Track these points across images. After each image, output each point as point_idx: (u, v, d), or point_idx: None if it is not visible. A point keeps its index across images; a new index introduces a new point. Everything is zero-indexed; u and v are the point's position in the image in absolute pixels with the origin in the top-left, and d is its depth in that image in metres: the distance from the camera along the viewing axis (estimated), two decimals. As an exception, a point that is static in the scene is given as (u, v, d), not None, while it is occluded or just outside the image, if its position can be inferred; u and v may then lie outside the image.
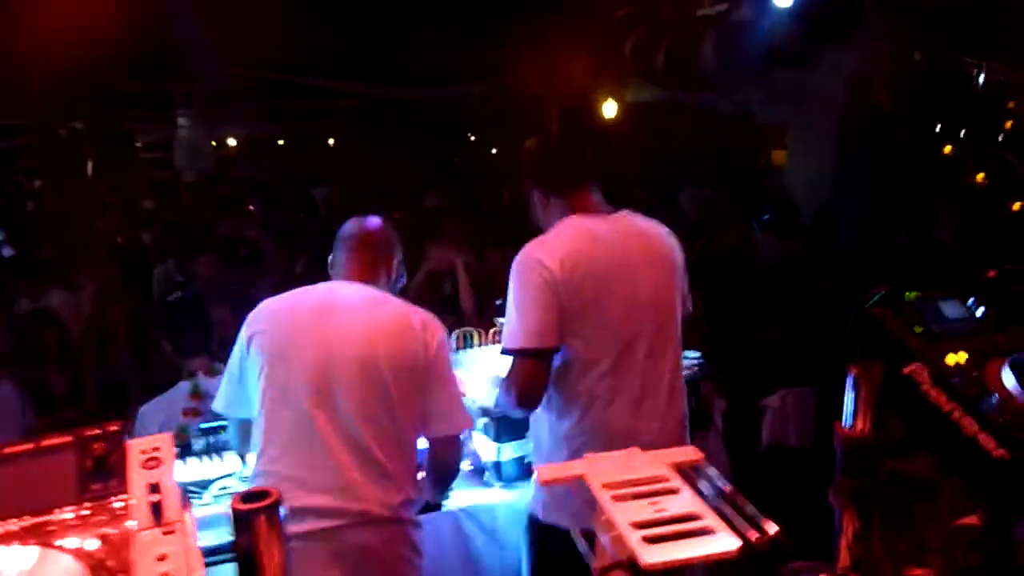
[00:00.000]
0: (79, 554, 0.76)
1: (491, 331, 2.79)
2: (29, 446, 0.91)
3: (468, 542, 2.36)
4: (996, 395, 1.19)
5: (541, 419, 2.14)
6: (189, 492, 1.98)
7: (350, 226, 2.14)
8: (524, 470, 2.42)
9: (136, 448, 0.93)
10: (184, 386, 2.76)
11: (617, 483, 0.99)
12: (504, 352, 2.07)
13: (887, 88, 3.67)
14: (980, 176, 9.94)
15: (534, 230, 2.21)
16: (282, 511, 0.85)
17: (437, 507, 2.35)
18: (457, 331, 2.78)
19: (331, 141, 18.30)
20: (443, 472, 2.13)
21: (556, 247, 2.04)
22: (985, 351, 1.27)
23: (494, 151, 15.47)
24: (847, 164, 3.97)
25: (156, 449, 0.93)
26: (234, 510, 0.80)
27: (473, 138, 16.29)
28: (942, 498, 1.52)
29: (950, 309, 1.36)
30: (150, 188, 13.50)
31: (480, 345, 2.79)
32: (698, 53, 7.02)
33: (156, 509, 0.84)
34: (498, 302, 2.90)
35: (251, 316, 2.00)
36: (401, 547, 1.90)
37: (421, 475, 2.11)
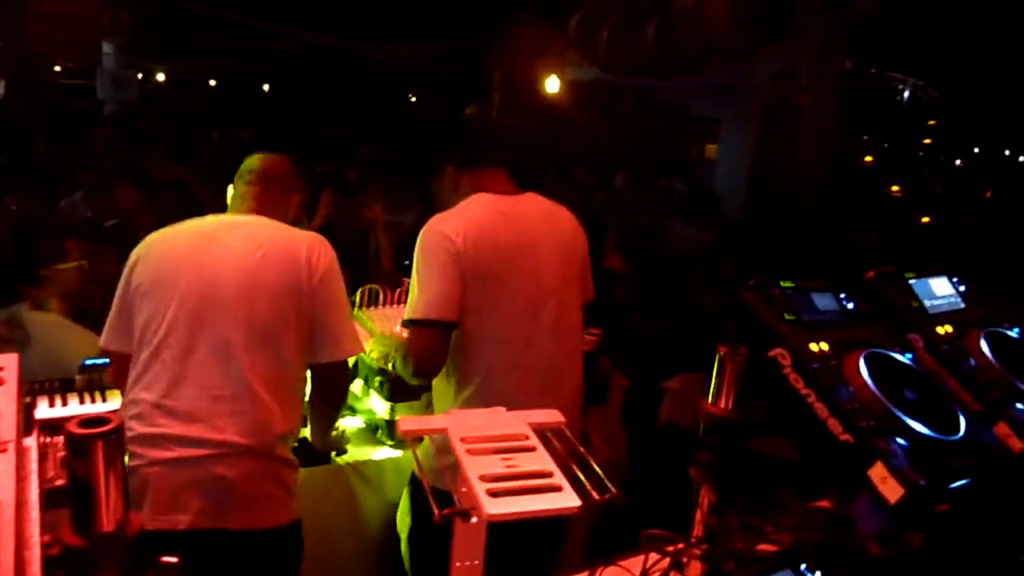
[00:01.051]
0: None
1: (396, 290, 2.77)
2: None
3: (354, 496, 2.37)
4: (850, 385, 1.27)
5: (439, 388, 2.15)
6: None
7: (251, 160, 2.09)
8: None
9: (-23, 367, 0.89)
10: (12, 309, 2.63)
11: (476, 438, 1.00)
12: (404, 323, 2.06)
13: (809, 89, 3.80)
14: (896, 188, 10.42)
15: (438, 205, 2.21)
16: (129, 438, 0.83)
17: (326, 460, 2.34)
18: (362, 288, 2.75)
19: (264, 87, 17.74)
20: (330, 396, 2.07)
21: (462, 221, 2.04)
22: (847, 343, 1.35)
23: (433, 114, 15.28)
24: (763, 159, 4.11)
25: (1, 369, 0.89)
26: (69, 434, 0.78)
27: (414, 99, 16.04)
28: (800, 480, 1.61)
29: (821, 301, 1.43)
30: (69, 115, 12.80)
31: (385, 304, 2.77)
32: (640, 38, 7.07)
33: (-12, 429, 0.80)
34: (406, 262, 2.88)
35: (136, 247, 1.95)
36: (268, 483, 1.84)
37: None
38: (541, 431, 1.05)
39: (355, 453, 2.40)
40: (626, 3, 7.60)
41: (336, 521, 2.34)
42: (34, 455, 0.90)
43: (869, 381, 1.25)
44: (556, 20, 8.30)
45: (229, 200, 2.09)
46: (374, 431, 2.51)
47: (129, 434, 1.79)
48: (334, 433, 2.30)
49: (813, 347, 1.30)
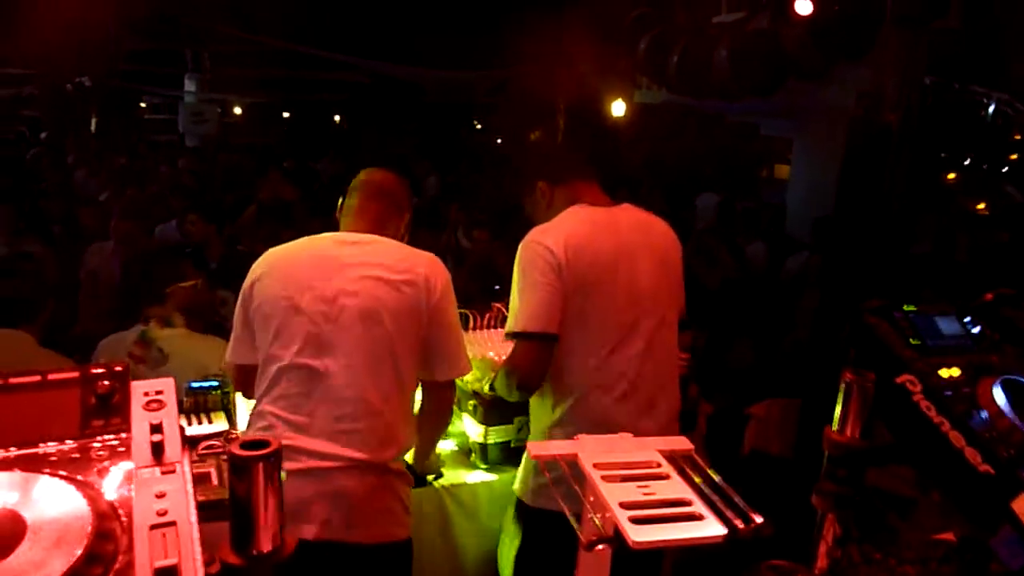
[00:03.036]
0: (79, 486, 0.77)
1: (487, 315, 2.80)
2: (36, 378, 0.92)
3: (448, 520, 2.38)
4: (985, 412, 1.22)
5: (536, 404, 2.15)
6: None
7: (367, 173, 2.14)
8: (509, 454, 2.44)
9: (139, 390, 0.94)
10: (137, 329, 2.75)
11: (608, 464, 1.00)
12: (508, 336, 2.08)
13: (897, 107, 3.71)
14: (981, 205, 10.03)
15: (533, 222, 2.23)
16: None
17: (422, 483, 2.36)
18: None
19: (336, 117, 18.27)
20: (440, 414, 2.14)
21: (560, 232, 2.05)
22: (978, 368, 1.30)
23: (499, 140, 15.47)
24: (850, 180, 4.01)
25: (159, 392, 0.94)
26: (232, 456, 0.81)
27: (480, 126, 16.27)
28: (920, 513, 1.55)
29: (946, 325, 1.38)
30: (152, 150, 13.42)
31: (475, 328, 2.80)
32: (712, 60, 7.03)
33: (157, 449, 0.84)
34: (496, 287, 2.91)
35: (255, 264, 1.99)
36: (388, 498, 1.90)
37: None
38: (672, 458, 1.04)
39: (449, 476, 2.42)
40: (696, 26, 7.58)
41: (431, 544, 2.35)
42: (189, 475, 0.93)
43: (1007, 409, 1.20)
44: (624, 44, 8.32)
45: (341, 212, 2.12)
46: (468, 455, 2.53)
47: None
48: (433, 456, 2.32)
49: (943, 373, 1.25)
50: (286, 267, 1.96)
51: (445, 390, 2.07)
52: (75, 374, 0.93)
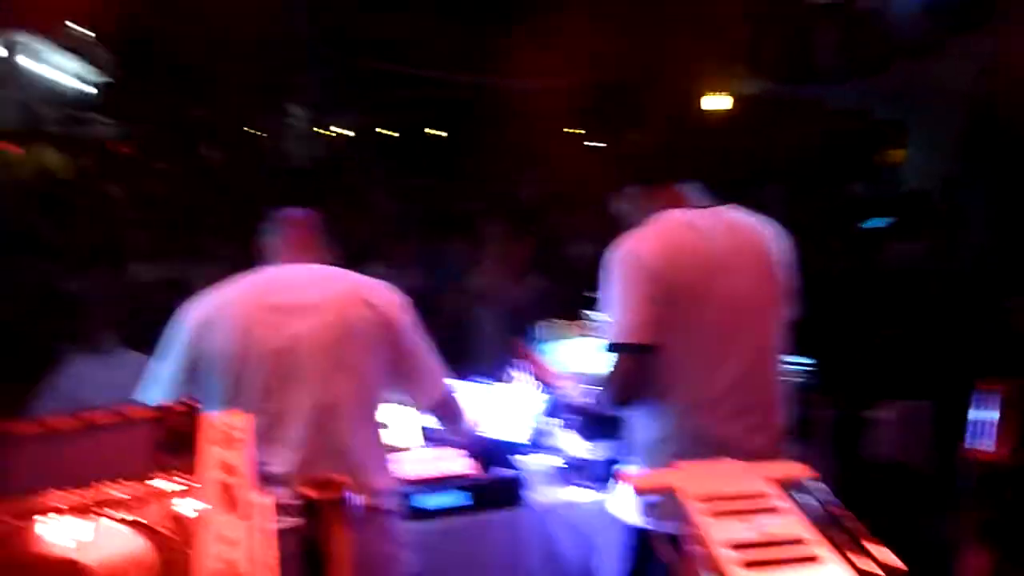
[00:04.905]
0: (144, 529, 0.74)
1: (583, 324, 2.71)
2: (115, 417, 0.91)
3: (551, 540, 2.30)
4: None
5: (637, 420, 2.05)
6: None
7: (283, 212, 2.10)
8: (614, 471, 2.34)
9: (214, 425, 0.91)
10: None
11: (712, 496, 0.90)
12: (604, 349, 1.98)
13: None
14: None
15: (626, 227, 2.13)
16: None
17: (521, 501, 2.30)
18: (546, 322, 2.72)
19: (435, 132, 18.59)
20: (457, 426, 2.14)
21: (653, 239, 1.94)
22: None
23: (593, 144, 15.30)
24: (974, 163, 3.67)
25: (234, 427, 0.91)
26: (304, 498, 0.77)
27: (580, 131, 16.14)
28: None
29: (1108, 322, 1.19)
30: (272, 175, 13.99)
31: (571, 338, 2.71)
32: (812, 44, 6.70)
33: (228, 490, 0.81)
34: (586, 293, 2.82)
35: (195, 306, 1.92)
36: (384, 543, 1.82)
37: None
38: (786, 486, 0.93)
39: (551, 495, 2.35)
40: (794, 10, 7.25)
41: (534, 563, 2.29)
42: (269, 512, 0.90)
43: None
44: (719, 35, 8.05)
45: (263, 252, 2.06)
46: (570, 471, 2.44)
47: None
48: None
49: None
50: (234, 307, 1.89)
51: (440, 408, 2.05)
52: (153, 411, 0.91)
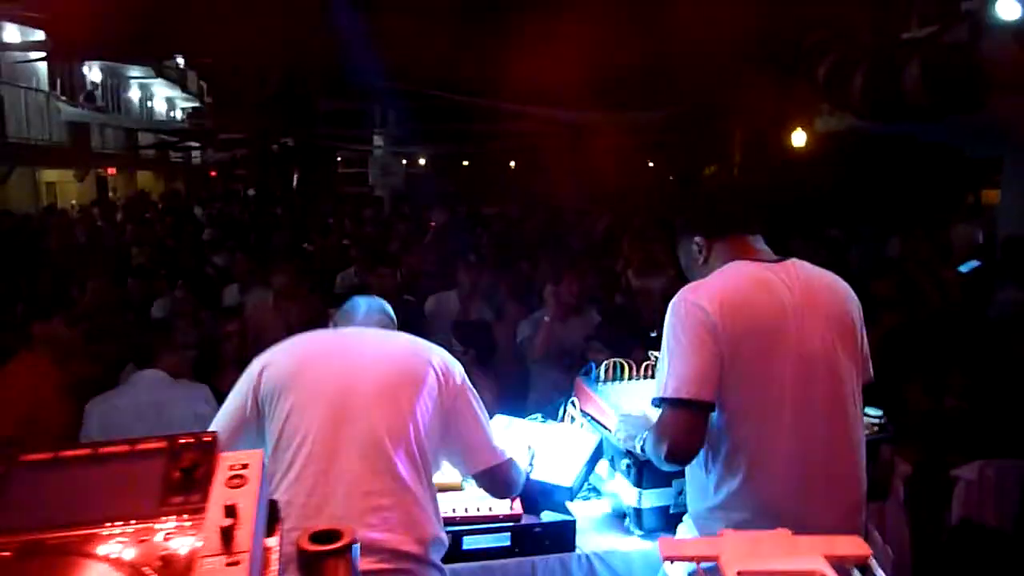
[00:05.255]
0: (127, 568, 0.70)
1: (643, 364, 2.61)
2: (124, 448, 0.89)
3: (599, 588, 2.20)
4: None
5: (696, 481, 1.93)
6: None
7: (353, 304, 2.18)
8: (667, 519, 2.22)
9: (226, 462, 0.88)
10: None
11: (757, 572, 0.81)
12: (655, 402, 1.89)
13: None
14: None
15: (687, 275, 2.05)
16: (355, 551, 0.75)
17: (571, 547, 2.20)
18: (607, 361, 2.63)
19: (512, 163, 18.78)
20: (501, 498, 2.11)
21: (717, 290, 1.84)
22: None
23: (671, 177, 15.14)
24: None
25: (245, 466, 0.87)
26: (302, 552, 0.71)
27: (652, 164, 16.03)
28: None
29: None
30: (344, 201, 14.47)
31: (631, 378, 2.62)
32: (902, 79, 6.44)
33: (227, 534, 0.77)
34: (653, 334, 2.73)
35: (256, 361, 1.95)
36: None
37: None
38: (843, 567, 0.83)
39: (601, 542, 2.24)
40: (883, 44, 7.00)
41: (581, 614, 2.18)
42: (275, 558, 0.85)
43: None
44: (802, 70, 7.84)
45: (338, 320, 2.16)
46: (621, 518, 2.34)
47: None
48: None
49: None
50: (297, 352, 1.95)
51: (487, 478, 1.99)
52: (162, 444, 0.89)
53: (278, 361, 1.92)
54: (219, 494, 0.83)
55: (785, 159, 9.80)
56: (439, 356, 1.96)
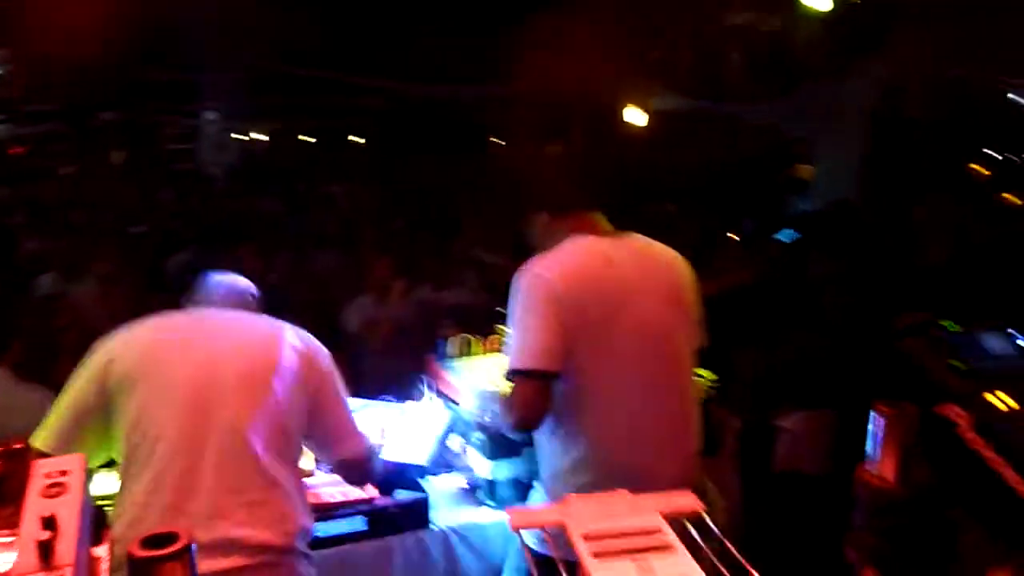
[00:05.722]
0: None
1: (490, 338, 2.65)
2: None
3: (457, 562, 2.23)
4: (1047, 446, 1.04)
5: (544, 447, 2.00)
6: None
7: (209, 278, 2.02)
8: (519, 490, 2.28)
9: (41, 471, 0.80)
10: None
11: (600, 534, 0.85)
12: (506, 375, 1.93)
13: (923, 101, 3.52)
14: (1011, 197, 9.67)
15: (534, 250, 2.09)
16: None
17: (425, 524, 2.21)
18: (455, 338, 2.65)
19: (357, 139, 18.31)
20: (358, 486, 2.10)
21: (561, 263, 1.91)
22: (1033, 394, 1.12)
23: (514, 155, 15.34)
24: (877, 178, 3.82)
25: (64, 473, 0.80)
26: (133, 558, 0.67)
27: (498, 141, 16.18)
28: (964, 544, 1.36)
29: (994, 343, 1.20)
30: (173, 180, 13.55)
31: (481, 354, 2.65)
32: (724, 63, 6.87)
33: (46, 549, 0.70)
34: (498, 308, 2.76)
35: (100, 348, 1.78)
36: None
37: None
38: (679, 522, 0.88)
39: (456, 516, 2.27)
40: (707, 29, 7.43)
41: (439, 589, 2.21)
42: (104, 567, 0.80)
43: (1074, 443, 1.03)
44: (637, 52, 8.17)
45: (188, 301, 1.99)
46: (474, 491, 2.37)
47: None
48: None
49: (996, 402, 1.08)
50: (146, 342, 1.78)
51: (349, 468, 1.95)
52: (-34, 455, 0.80)
53: (127, 349, 1.75)
54: (35, 505, 0.76)
55: (622, 137, 10.19)
56: (304, 341, 1.86)
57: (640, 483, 1.74)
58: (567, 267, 1.89)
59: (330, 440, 1.88)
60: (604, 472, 1.87)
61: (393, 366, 3.83)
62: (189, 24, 9.46)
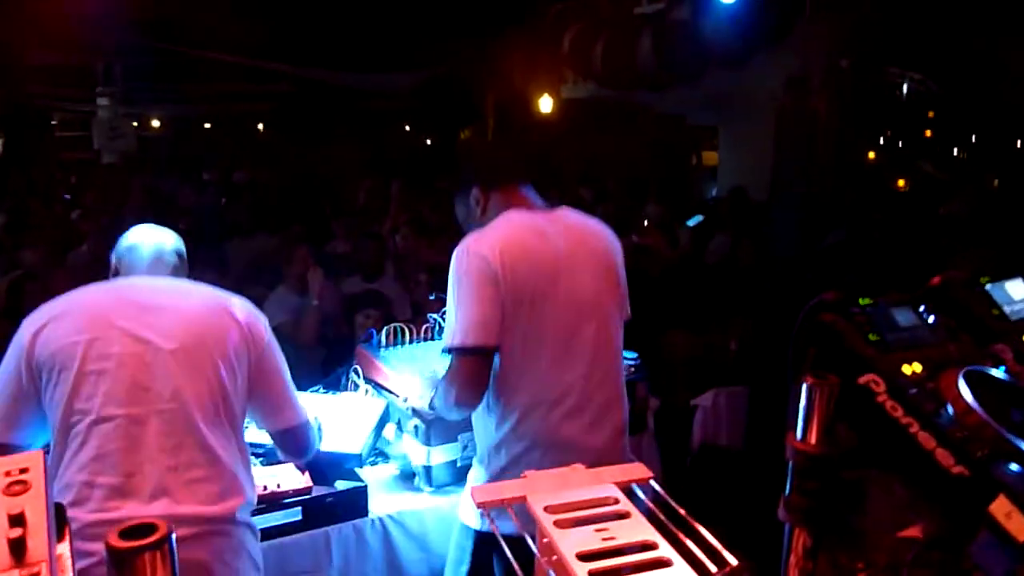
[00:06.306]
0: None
1: (423, 327, 2.67)
2: None
3: (395, 550, 2.24)
4: (952, 408, 1.15)
5: (480, 422, 2.04)
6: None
7: (141, 233, 1.93)
8: (455, 474, 2.31)
9: (1, 468, 0.79)
10: None
11: (561, 506, 0.89)
12: (445, 351, 1.95)
13: (823, 92, 3.74)
14: (901, 182, 10.32)
15: (465, 228, 2.12)
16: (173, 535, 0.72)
17: (363, 512, 2.21)
18: (387, 327, 2.65)
19: (260, 126, 17.78)
20: (296, 459, 2.07)
21: (496, 239, 1.94)
22: (939, 361, 1.23)
23: (428, 142, 15.27)
24: (783, 166, 4.02)
25: (24, 471, 0.79)
26: (111, 548, 0.67)
27: (408, 128, 16.05)
28: (873, 501, 1.48)
29: (902, 316, 1.31)
30: (68, 168, 12.85)
31: (410, 341, 2.66)
32: (635, 51, 7.03)
33: (18, 546, 0.69)
34: (432, 296, 2.78)
35: (25, 325, 1.70)
36: (241, 560, 1.71)
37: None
38: (631, 491, 0.94)
39: (393, 503, 2.28)
40: (619, 18, 7.57)
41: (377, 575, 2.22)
42: (68, 565, 0.79)
43: (974, 403, 1.13)
44: (548, 39, 8.26)
45: (117, 269, 1.89)
46: (411, 478, 2.39)
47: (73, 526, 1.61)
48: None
49: (906, 369, 1.18)
50: (78, 314, 1.69)
51: (284, 438, 1.93)
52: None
53: (55, 323, 1.66)
54: (1, 504, 0.74)
55: (534, 123, 10.29)
56: (243, 309, 1.81)
57: (571, 452, 1.84)
58: (503, 243, 1.92)
59: (271, 410, 1.87)
60: (536, 441, 1.93)
61: (319, 357, 3.79)
62: (82, 5, 8.97)
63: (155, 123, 17.24)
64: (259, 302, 2.16)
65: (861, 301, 1.30)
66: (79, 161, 14.73)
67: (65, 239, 5.50)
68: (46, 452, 1.56)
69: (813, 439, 1.15)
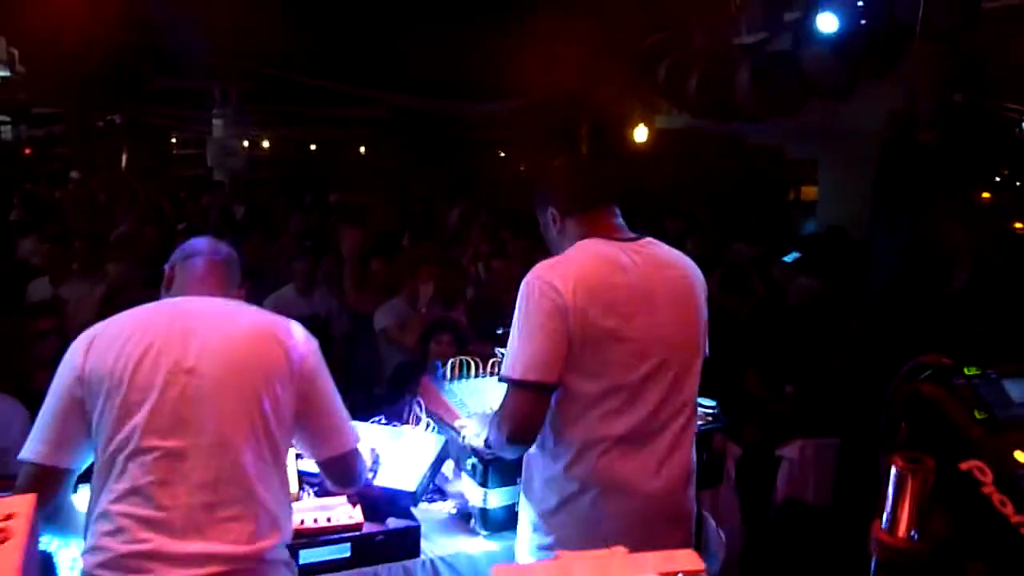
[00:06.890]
0: None
1: (491, 361, 2.58)
2: None
3: (445, 593, 2.15)
4: (1075, 506, 0.97)
5: (533, 458, 1.93)
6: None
7: (199, 242, 1.91)
8: (513, 519, 2.20)
9: (-15, 514, 0.74)
10: None
11: (593, 598, 0.78)
12: (501, 380, 1.85)
13: (932, 126, 3.48)
14: (1019, 224, 9.62)
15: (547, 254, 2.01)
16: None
17: (415, 552, 2.13)
18: (453, 359, 2.58)
19: (361, 149, 18.36)
20: (343, 488, 1.99)
21: (570, 270, 1.83)
22: (1060, 447, 1.05)
23: (522, 168, 15.36)
24: (886, 204, 3.76)
25: (8, 517, 0.73)
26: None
27: (503, 154, 16.19)
28: None
29: (1017, 391, 1.13)
30: (182, 185, 13.60)
31: (477, 376, 2.58)
32: (733, 82, 6.83)
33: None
34: (499, 330, 2.70)
35: (77, 343, 1.68)
36: None
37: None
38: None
39: (447, 544, 2.19)
40: (715, 48, 7.39)
41: (427, 622, 2.12)
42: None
43: (1104, 503, 0.96)
44: (644, 69, 8.15)
45: (169, 282, 1.86)
46: (467, 519, 2.29)
47: (101, 557, 1.57)
48: None
49: (1019, 456, 1.01)
50: (123, 340, 1.65)
51: (337, 465, 1.85)
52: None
53: (102, 349, 1.65)
54: (-26, 554, 0.69)
55: (628, 152, 10.17)
56: (293, 334, 1.76)
57: (628, 496, 1.68)
58: (577, 275, 1.81)
59: (317, 437, 1.80)
60: (592, 483, 1.82)
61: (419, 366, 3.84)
62: (196, 33, 9.50)
63: (264, 144, 18.06)
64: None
65: (967, 371, 1.13)
66: (194, 177, 15.58)
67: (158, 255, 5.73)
68: (45, 492, 1.55)
69: (901, 532, 0.99)
